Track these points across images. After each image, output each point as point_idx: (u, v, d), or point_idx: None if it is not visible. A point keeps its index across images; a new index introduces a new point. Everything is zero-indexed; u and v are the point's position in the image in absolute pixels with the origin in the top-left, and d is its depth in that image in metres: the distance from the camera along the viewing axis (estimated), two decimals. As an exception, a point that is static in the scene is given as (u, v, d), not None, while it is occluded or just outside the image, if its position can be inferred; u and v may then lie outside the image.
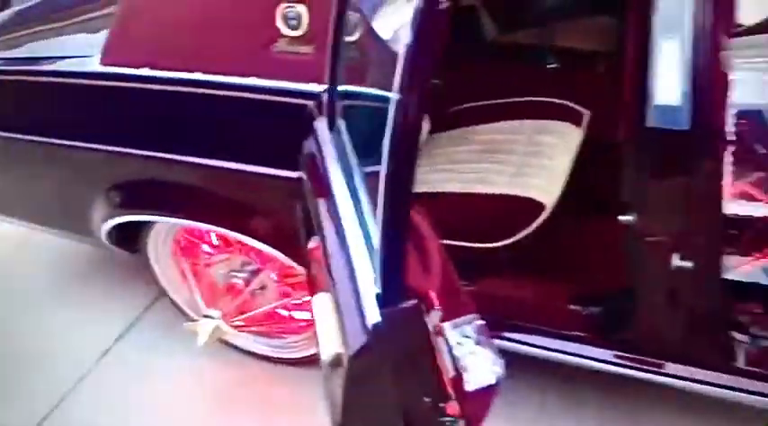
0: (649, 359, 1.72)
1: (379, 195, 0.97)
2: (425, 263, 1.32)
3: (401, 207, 0.97)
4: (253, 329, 2.10)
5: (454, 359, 1.21)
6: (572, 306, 1.80)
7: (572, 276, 1.85)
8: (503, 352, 1.85)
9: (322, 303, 1.16)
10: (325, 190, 1.36)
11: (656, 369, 1.71)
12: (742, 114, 1.69)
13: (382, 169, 0.95)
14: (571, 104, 2.15)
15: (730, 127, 1.67)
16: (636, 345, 1.71)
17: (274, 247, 1.83)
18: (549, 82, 2.20)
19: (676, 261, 1.51)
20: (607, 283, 1.77)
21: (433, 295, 1.21)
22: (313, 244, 1.34)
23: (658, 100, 1.33)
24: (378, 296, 1.04)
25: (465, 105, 2.32)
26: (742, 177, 1.59)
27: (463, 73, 2.33)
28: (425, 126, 2.23)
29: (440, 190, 2.01)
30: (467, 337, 1.29)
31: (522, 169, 1.99)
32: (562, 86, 2.20)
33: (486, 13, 2.45)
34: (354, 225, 1.22)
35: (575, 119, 2.11)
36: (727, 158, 1.58)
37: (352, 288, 1.11)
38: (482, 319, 1.29)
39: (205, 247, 2.08)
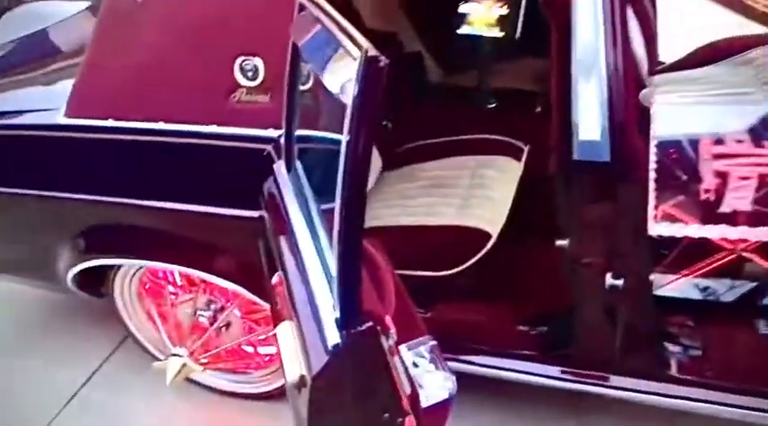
0: (594, 373, 1.85)
1: (335, 227, 1.08)
2: (381, 291, 1.43)
3: (354, 237, 1.08)
4: (219, 366, 2.17)
5: (410, 378, 1.32)
6: (520, 327, 1.93)
7: (519, 299, 1.99)
8: (459, 374, 1.97)
9: (285, 330, 1.26)
10: (285, 227, 1.47)
11: (600, 382, 1.85)
12: (663, 144, 1.88)
13: (336, 204, 1.07)
14: (511, 140, 2.31)
15: (652, 156, 1.86)
16: (580, 360, 1.85)
17: (238, 284, 1.92)
18: (491, 120, 2.36)
19: (609, 280, 1.67)
20: (551, 304, 1.90)
21: (388, 319, 1.33)
22: (276, 279, 1.45)
23: (582, 136, 1.49)
24: (337, 320, 1.14)
25: (414, 144, 2.46)
26: (665, 201, 1.76)
27: (412, 114, 2.50)
28: (377, 164, 2.37)
29: (392, 224, 2.13)
30: (421, 357, 1.40)
31: (468, 201, 2.13)
32: (503, 124, 2.37)
33: (431, 57, 2.63)
34: (313, 257, 1.33)
35: (515, 153, 2.27)
36: (651, 185, 1.76)
37: (312, 314, 1.21)
38: (435, 340, 1.42)
39: (170, 288, 2.15)
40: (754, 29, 2.90)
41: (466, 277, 1.97)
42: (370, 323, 1.17)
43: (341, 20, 1.13)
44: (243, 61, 1.65)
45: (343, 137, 1.02)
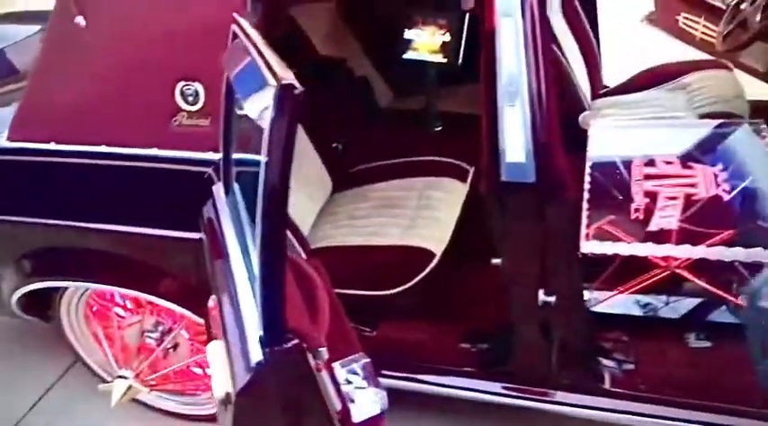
0: (533, 389, 1.90)
1: (256, 245, 1.12)
2: (315, 310, 1.46)
3: (274, 257, 1.12)
4: (167, 387, 2.17)
5: (341, 394, 1.35)
6: (462, 345, 1.98)
7: (461, 317, 2.03)
8: (404, 391, 2.00)
9: (215, 349, 1.28)
10: (220, 249, 1.49)
11: (540, 398, 1.89)
12: (598, 165, 1.95)
13: (257, 225, 1.10)
14: (457, 162, 2.37)
15: (587, 177, 1.93)
16: (519, 376, 1.89)
17: (182, 306, 1.94)
18: (438, 142, 2.43)
19: (542, 296, 1.72)
20: (492, 321, 1.95)
21: (319, 337, 1.36)
22: (211, 302, 1.47)
23: (508, 158, 1.55)
24: (260, 337, 1.17)
25: (364, 165, 2.51)
26: (597, 220, 1.82)
27: (364, 136, 2.55)
28: (328, 185, 2.41)
29: (340, 244, 2.17)
30: (354, 374, 1.44)
31: (415, 222, 2.18)
32: (449, 146, 2.43)
33: (381, 82, 2.70)
34: (244, 278, 1.35)
35: (461, 175, 2.33)
36: (584, 204, 1.82)
37: (239, 333, 1.24)
38: (368, 358, 1.45)
39: (117, 310, 2.15)
40: (694, 55, 3.04)
41: (410, 296, 2.00)
42: (296, 341, 1.19)
43: (264, 49, 1.17)
44: (184, 86, 1.69)
45: (261, 162, 1.06)
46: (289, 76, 1.02)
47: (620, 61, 3.05)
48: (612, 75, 2.90)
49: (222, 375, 1.22)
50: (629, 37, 3.54)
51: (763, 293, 1.19)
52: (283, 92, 1.00)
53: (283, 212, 1.09)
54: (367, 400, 1.38)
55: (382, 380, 2.00)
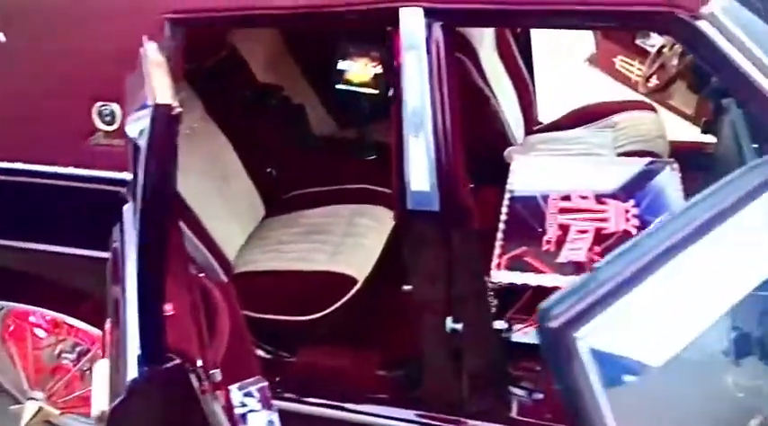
0: (446, 417, 1.91)
1: (135, 267, 1.13)
2: (213, 333, 1.47)
3: (152, 277, 1.13)
4: (80, 410, 2.13)
5: (233, 417, 1.36)
6: (378, 372, 1.99)
7: (379, 343, 2.05)
8: (321, 418, 2.00)
9: (100, 368, 1.28)
10: (120, 271, 1.50)
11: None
12: (516, 198, 2.00)
13: (134, 244, 1.11)
14: (388, 190, 2.40)
15: (504, 208, 1.97)
16: (432, 404, 1.91)
17: (99, 327, 1.92)
18: (371, 171, 2.46)
19: (449, 324, 1.74)
20: (408, 348, 1.97)
21: (208, 359, 1.36)
22: (108, 324, 1.47)
23: (413, 187, 1.59)
24: (138, 357, 1.18)
25: (297, 192, 2.53)
26: (510, 250, 1.86)
27: (300, 163, 2.58)
28: (260, 210, 2.43)
29: (266, 269, 2.18)
30: (250, 397, 1.44)
31: (340, 248, 2.20)
32: (381, 175, 2.46)
33: (319, 110, 2.74)
34: (134, 299, 1.36)
35: (389, 203, 2.36)
36: (499, 234, 1.86)
37: (123, 353, 1.24)
38: (266, 382, 1.46)
39: (36, 330, 2.12)
40: (628, 95, 3.15)
41: (331, 321, 2.02)
42: (177, 361, 1.20)
43: (155, 71, 1.19)
44: (101, 106, 1.71)
45: (138, 182, 1.08)
46: (166, 97, 1.04)
47: (566, 99, 3.14)
48: (555, 112, 2.98)
49: (101, 393, 1.22)
50: (576, 77, 3.65)
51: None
52: (157, 111, 1.02)
53: (160, 232, 1.11)
54: (259, 423, 1.39)
55: (300, 406, 2.03)
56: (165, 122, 1.03)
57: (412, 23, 1.50)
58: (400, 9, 1.48)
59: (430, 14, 1.50)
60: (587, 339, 0.90)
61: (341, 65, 2.31)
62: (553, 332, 0.88)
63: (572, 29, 2.60)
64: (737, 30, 1.34)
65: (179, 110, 1.05)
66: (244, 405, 1.42)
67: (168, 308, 1.21)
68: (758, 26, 1.44)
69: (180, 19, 1.62)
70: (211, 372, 1.33)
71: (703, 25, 1.32)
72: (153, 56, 1.29)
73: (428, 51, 1.52)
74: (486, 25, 2.22)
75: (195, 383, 1.24)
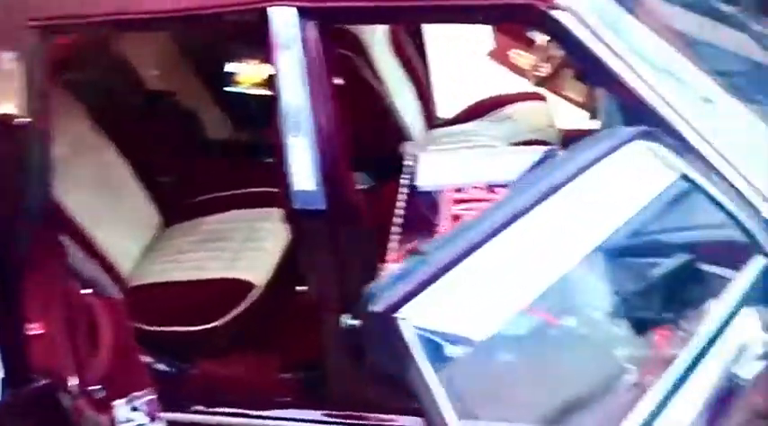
0: (351, 413, 1.91)
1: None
2: (95, 350, 1.42)
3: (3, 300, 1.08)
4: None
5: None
6: (281, 375, 1.97)
7: (281, 346, 2.03)
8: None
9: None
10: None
11: (358, 422, 1.91)
12: (413, 192, 2.03)
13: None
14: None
15: (400, 202, 1.99)
16: (337, 402, 1.90)
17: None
18: (270, 173, 2.44)
19: (347, 320, 1.74)
20: (309, 349, 1.96)
21: (90, 376, 1.32)
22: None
23: (297, 186, 1.58)
24: (2, 380, 1.13)
25: (199, 198, 2.48)
26: (406, 243, 1.87)
27: (199, 168, 2.53)
28: (153, 218, 2.36)
29: (163, 280, 2.13)
30: (137, 411, 1.41)
31: (239, 254, 2.17)
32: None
33: (216, 114, 2.70)
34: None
35: (289, 205, 2.35)
36: (395, 228, 1.88)
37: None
38: (155, 395, 1.42)
39: None
40: (526, 86, 3.23)
41: (230, 328, 1.99)
42: (44, 382, 1.15)
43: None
44: None
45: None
46: (7, 108, 1.00)
47: (472, 94, 3.20)
48: (459, 106, 3.03)
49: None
50: (480, 71, 3.72)
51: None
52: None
53: (6, 254, 1.06)
54: (149, 438, 1.36)
55: (206, 417, 1.99)
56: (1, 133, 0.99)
57: (283, 23, 1.49)
58: (269, 9, 1.47)
59: (303, 14, 1.50)
60: (413, 319, 0.88)
61: (230, 67, 2.28)
62: (376, 316, 0.87)
63: (440, 23, 2.63)
64: (593, 17, 1.40)
65: (24, 120, 1.01)
66: (130, 421, 1.39)
67: (34, 327, 1.16)
68: (615, 13, 1.51)
69: (44, 26, 1.55)
70: (90, 389, 1.29)
71: (559, 15, 1.37)
72: (4, 66, 1.24)
73: (304, 50, 1.51)
74: (358, 23, 2.24)
75: (67, 402, 1.19)
